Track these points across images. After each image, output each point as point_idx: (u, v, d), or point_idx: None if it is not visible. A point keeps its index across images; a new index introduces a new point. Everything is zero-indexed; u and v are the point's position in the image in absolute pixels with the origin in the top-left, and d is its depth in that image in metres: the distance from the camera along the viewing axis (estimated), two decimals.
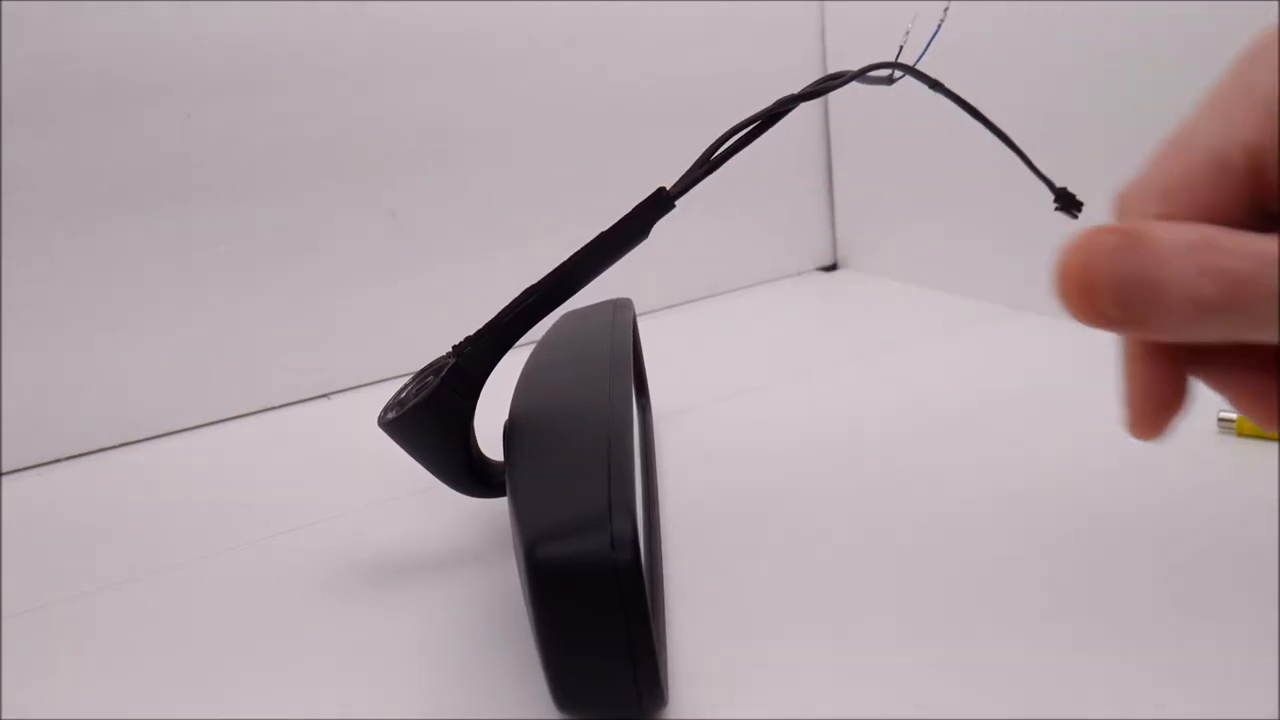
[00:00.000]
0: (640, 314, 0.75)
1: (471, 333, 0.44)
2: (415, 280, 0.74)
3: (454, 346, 0.44)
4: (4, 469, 0.63)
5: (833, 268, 0.91)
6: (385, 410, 0.44)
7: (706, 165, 0.43)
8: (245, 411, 0.70)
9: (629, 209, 0.43)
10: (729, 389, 0.66)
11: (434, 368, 0.44)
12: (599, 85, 0.78)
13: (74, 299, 0.64)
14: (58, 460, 0.65)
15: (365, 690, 0.40)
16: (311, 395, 0.72)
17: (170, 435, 0.67)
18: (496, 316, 0.43)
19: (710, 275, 0.86)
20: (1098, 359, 0.67)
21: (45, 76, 0.61)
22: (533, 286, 0.44)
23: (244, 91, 0.66)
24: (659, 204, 0.44)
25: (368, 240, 0.72)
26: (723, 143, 0.43)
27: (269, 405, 0.70)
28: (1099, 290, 0.23)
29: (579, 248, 0.44)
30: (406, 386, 0.45)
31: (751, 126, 0.44)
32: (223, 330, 0.68)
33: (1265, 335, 0.22)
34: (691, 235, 0.83)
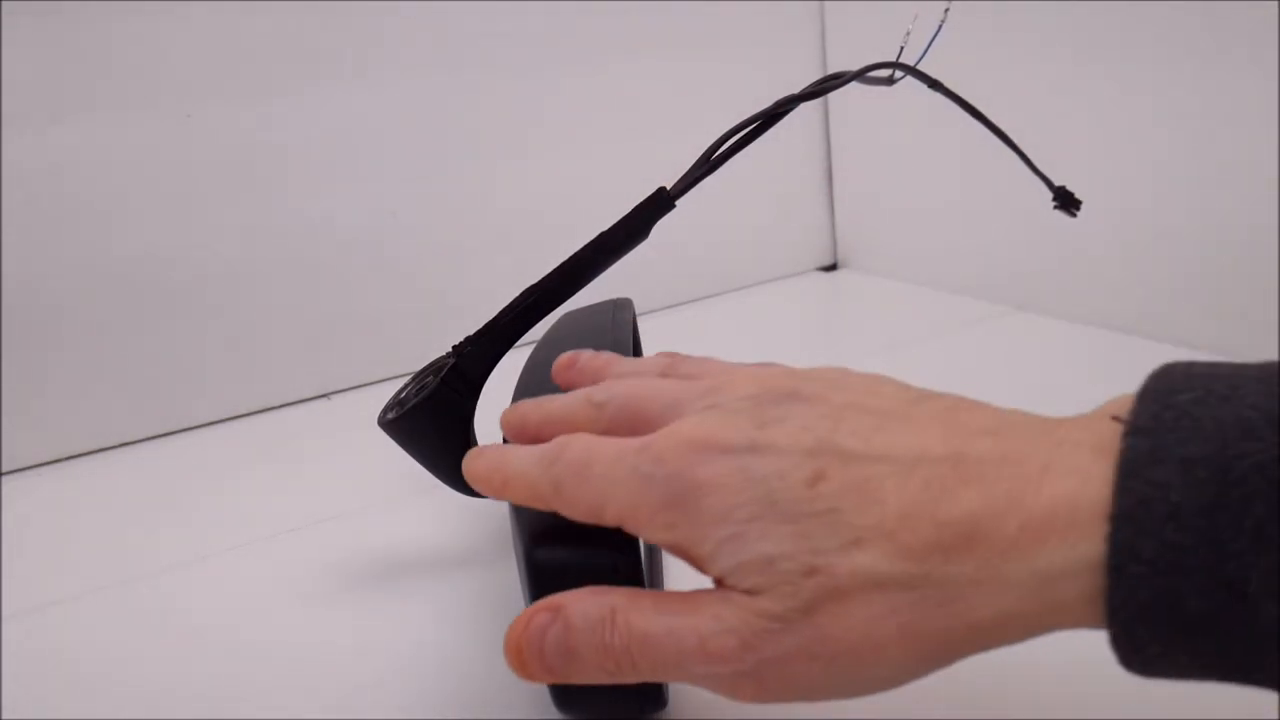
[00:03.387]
0: (640, 314, 0.75)
1: (471, 333, 0.44)
2: (415, 280, 0.73)
3: (454, 346, 0.44)
4: (4, 469, 0.63)
5: (833, 268, 0.91)
6: (385, 410, 0.44)
7: (707, 165, 0.43)
8: (245, 411, 0.70)
9: (629, 209, 0.44)
10: None
11: (434, 368, 0.44)
12: (599, 85, 0.78)
13: (74, 298, 0.64)
14: (58, 460, 0.64)
15: (365, 690, 0.40)
16: (311, 395, 0.72)
17: (170, 435, 0.67)
18: (496, 316, 0.43)
19: (710, 275, 0.86)
20: (1098, 359, 0.67)
21: (45, 75, 0.61)
22: (533, 286, 0.44)
23: (244, 91, 0.66)
24: (659, 204, 0.44)
25: (368, 240, 0.72)
26: (723, 143, 0.43)
27: (269, 405, 0.70)
28: (528, 664, 0.31)
29: (579, 247, 0.44)
30: (406, 386, 0.45)
31: (751, 127, 0.44)
32: (222, 330, 0.68)
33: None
34: (691, 235, 0.83)
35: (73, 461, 0.64)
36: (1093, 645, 0.39)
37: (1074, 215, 0.43)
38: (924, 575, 0.27)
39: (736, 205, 0.85)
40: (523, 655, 0.31)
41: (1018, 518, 0.26)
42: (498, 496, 0.35)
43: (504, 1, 0.73)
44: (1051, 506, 0.26)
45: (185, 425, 0.68)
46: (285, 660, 0.43)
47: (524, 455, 0.34)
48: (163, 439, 0.67)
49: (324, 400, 0.71)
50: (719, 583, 0.30)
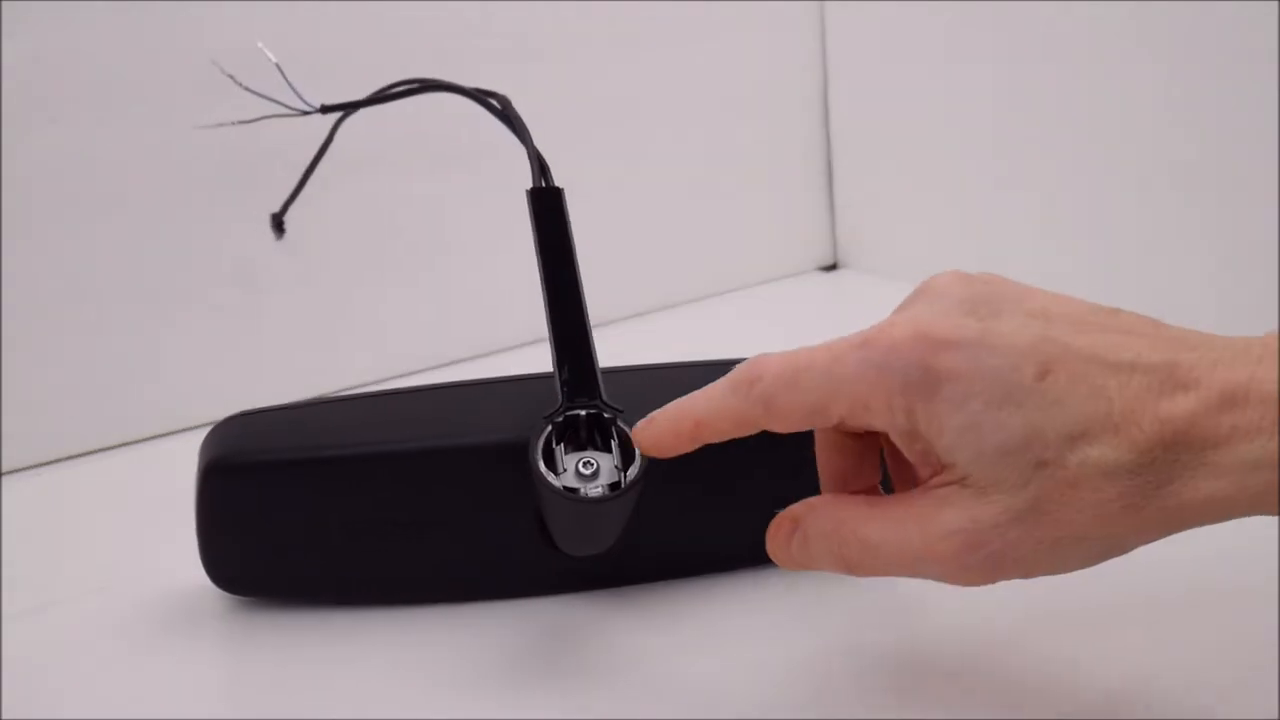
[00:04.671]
0: (636, 315, 0.75)
1: (564, 384, 0.41)
2: (417, 280, 0.73)
3: (567, 402, 0.40)
4: (4, 469, 0.63)
5: (833, 268, 0.91)
6: (580, 486, 0.39)
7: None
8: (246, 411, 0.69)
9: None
10: None
11: (559, 429, 0.40)
12: (597, 84, 0.78)
13: (74, 299, 0.64)
14: (58, 460, 0.64)
15: (368, 697, 0.40)
16: (312, 395, 0.71)
17: (170, 435, 0.67)
18: (563, 370, 0.41)
19: (708, 275, 0.86)
20: None
21: (46, 76, 0.61)
22: (560, 321, 0.42)
23: (241, 92, 0.66)
24: (548, 196, 0.44)
25: (369, 239, 0.72)
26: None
27: (270, 405, 0.70)
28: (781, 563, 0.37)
29: (549, 272, 0.43)
30: (547, 449, 0.40)
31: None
32: (223, 330, 0.68)
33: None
34: (689, 235, 0.83)
35: (73, 461, 0.64)
36: (1090, 648, 0.39)
37: (279, 237, 0.50)
38: (1148, 463, 0.31)
39: (736, 205, 0.85)
40: (775, 555, 0.37)
41: (1230, 419, 0.31)
42: (689, 444, 0.37)
43: (503, 1, 0.73)
44: (1262, 411, 0.30)
45: (185, 425, 0.68)
46: (284, 660, 0.43)
47: (708, 394, 0.37)
48: (163, 439, 0.67)
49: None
50: (948, 469, 0.33)
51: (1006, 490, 0.32)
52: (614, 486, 0.39)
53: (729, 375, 0.36)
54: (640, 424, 0.38)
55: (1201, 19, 0.60)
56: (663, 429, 0.38)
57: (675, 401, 0.38)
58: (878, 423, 0.34)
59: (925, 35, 0.77)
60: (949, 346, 0.33)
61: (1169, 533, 0.32)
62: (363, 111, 0.71)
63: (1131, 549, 0.33)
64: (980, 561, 0.33)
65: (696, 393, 0.37)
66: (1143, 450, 0.31)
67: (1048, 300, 0.34)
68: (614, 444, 0.39)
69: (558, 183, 0.46)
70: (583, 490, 0.39)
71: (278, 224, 0.50)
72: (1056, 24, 0.68)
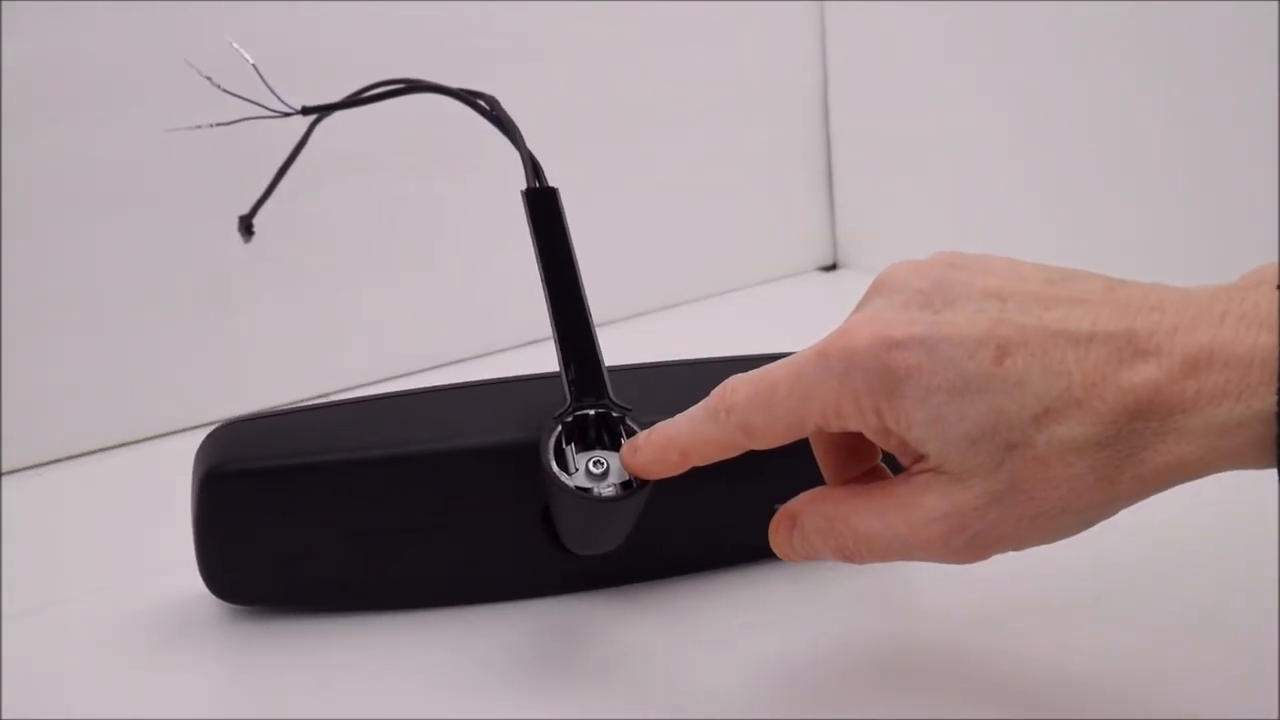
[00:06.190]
0: (634, 316, 0.75)
1: (570, 385, 0.41)
2: (410, 281, 0.74)
3: (576, 404, 0.41)
4: (4, 469, 0.63)
5: (833, 268, 0.91)
6: (593, 486, 0.39)
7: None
8: (246, 412, 0.69)
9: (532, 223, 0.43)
10: None
11: (571, 427, 0.40)
12: (597, 84, 0.78)
13: (74, 299, 0.64)
14: (58, 460, 0.64)
15: (368, 697, 0.40)
16: (311, 395, 0.72)
17: (169, 435, 0.67)
18: (569, 370, 0.41)
19: (707, 276, 0.86)
20: None
21: (46, 76, 0.61)
22: (564, 323, 0.42)
23: (244, 91, 0.66)
24: (543, 197, 0.44)
25: (369, 239, 0.72)
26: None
27: (270, 405, 0.70)
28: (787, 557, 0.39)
29: (549, 273, 0.43)
30: (556, 449, 0.40)
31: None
32: (222, 329, 0.68)
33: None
34: (688, 235, 0.83)
35: (73, 461, 0.64)
36: (1090, 645, 0.39)
37: (247, 240, 0.50)
38: (1115, 434, 0.31)
39: (735, 205, 0.85)
40: (779, 551, 0.38)
41: (1195, 384, 0.30)
42: (676, 470, 0.38)
43: (504, 1, 0.73)
44: (1226, 374, 0.30)
45: (184, 426, 0.68)
46: (284, 660, 0.43)
47: (688, 422, 0.38)
48: (162, 439, 0.67)
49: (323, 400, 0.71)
50: (924, 458, 0.33)
51: (981, 474, 0.32)
52: (625, 485, 0.39)
53: (706, 401, 0.37)
54: (626, 449, 0.39)
55: (1201, 19, 0.60)
56: (650, 458, 0.38)
57: (660, 427, 0.38)
58: (851, 425, 0.34)
59: (925, 35, 0.77)
60: (904, 344, 0.33)
61: (1148, 495, 0.33)
62: (360, 112, 0.71)
63: (1115, 514, 0.33)
64: (965, 543, 0.33)
65: (680, 418, 0.38)
66: (1108, 422, 0.31)
67: (1002, 278, 0.34)
68: (623, 442, 0.39)
69: (557, 182, 0.46)
70: (595, 490, 0.39)
71: (246, 226, 0.49)
72: (1057, 24, 0.68)
